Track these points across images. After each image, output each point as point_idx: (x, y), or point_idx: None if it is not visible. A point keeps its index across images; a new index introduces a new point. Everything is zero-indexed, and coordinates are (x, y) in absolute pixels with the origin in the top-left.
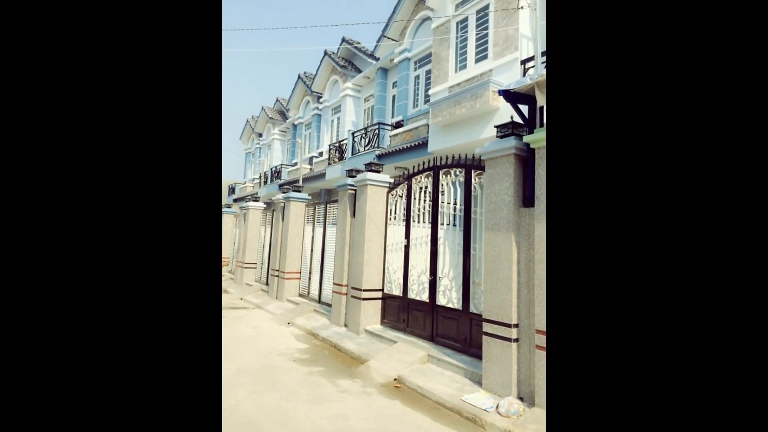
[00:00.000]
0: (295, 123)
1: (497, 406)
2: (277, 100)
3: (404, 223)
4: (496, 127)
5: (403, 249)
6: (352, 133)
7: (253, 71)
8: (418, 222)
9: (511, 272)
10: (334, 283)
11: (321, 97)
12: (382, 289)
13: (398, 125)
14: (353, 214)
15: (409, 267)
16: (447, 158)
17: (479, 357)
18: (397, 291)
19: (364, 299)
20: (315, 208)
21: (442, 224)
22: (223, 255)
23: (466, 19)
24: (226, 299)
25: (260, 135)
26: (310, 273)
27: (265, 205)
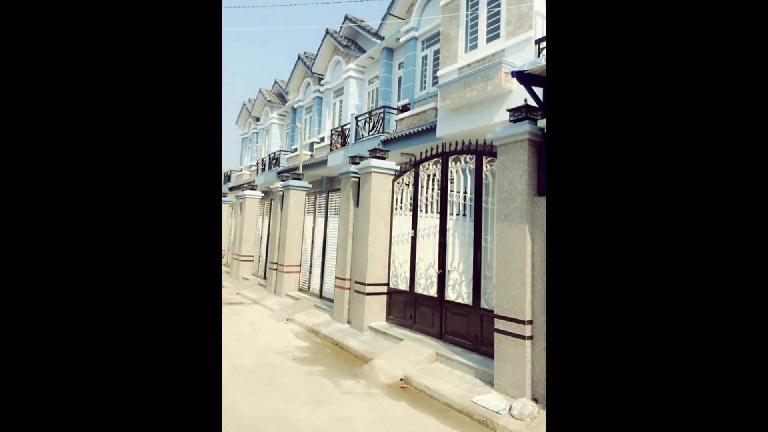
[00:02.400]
0: (295, 106)
1: (510, 408)
2: (275, 82)
3: (411, 213)
4: (509, 110)
5: (409, 240)
6: (356, 117)
7: (250, 52)
8: (426, 212)
9: (525, 265)
10: (336, 277)
11: (322, 78)
12: (388, 284)
13: (404, 109)
14: (357, 204)
15: (417, 260)
16: (456, 144)
17: (491, 356)
18: (403, 285)
19: (369, 294)
20: (316, 197)
21: (452, 214)
22: None
23: None
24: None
25: (257, 119)
26: (310, 266)
27: (262, 194)
